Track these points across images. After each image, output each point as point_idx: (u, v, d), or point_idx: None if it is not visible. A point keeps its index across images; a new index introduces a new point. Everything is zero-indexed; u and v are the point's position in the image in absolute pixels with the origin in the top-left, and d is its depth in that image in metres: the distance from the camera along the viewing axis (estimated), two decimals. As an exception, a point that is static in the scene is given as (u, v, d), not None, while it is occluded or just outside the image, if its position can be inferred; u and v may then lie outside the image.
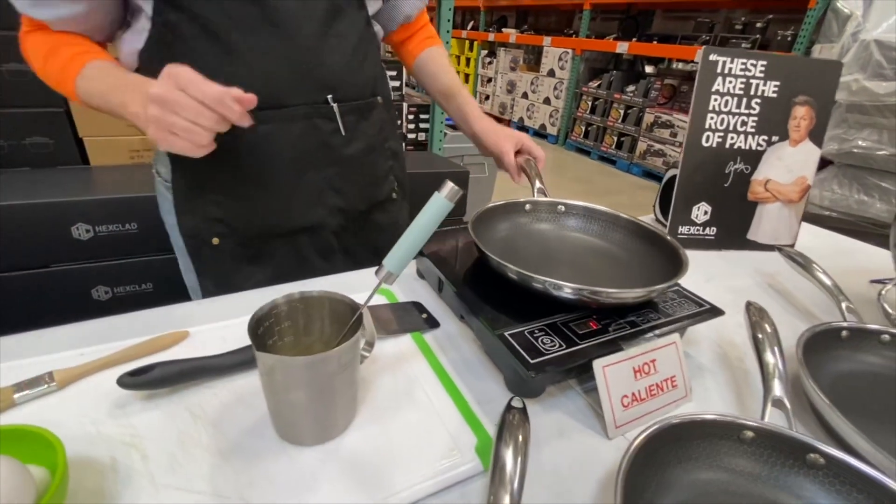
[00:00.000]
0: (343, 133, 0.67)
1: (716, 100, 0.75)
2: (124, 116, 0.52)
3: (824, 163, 3.07)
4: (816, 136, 0.79)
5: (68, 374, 0.41)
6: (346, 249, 0.75)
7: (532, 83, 5.21)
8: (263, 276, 0.69)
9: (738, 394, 0.50)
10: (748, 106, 0.76)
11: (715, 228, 0.81)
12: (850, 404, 0.49)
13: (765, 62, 0.75)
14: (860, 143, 2.77)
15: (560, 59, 4.75)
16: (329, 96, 0.64)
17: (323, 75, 0.63)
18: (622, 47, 4.05)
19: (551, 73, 4.89)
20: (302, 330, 0.40)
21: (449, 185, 0.35)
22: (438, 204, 0.35)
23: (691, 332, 0.58)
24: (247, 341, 0.35)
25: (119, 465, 0.34)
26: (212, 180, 0.64)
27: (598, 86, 4.54)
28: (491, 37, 5.84)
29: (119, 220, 1.08)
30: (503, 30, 5.70)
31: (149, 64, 0.57)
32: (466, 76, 6.39)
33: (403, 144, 0.90)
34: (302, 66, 0.61)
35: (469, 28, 6.34)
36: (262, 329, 0.38)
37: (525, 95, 5.37)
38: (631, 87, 4.24)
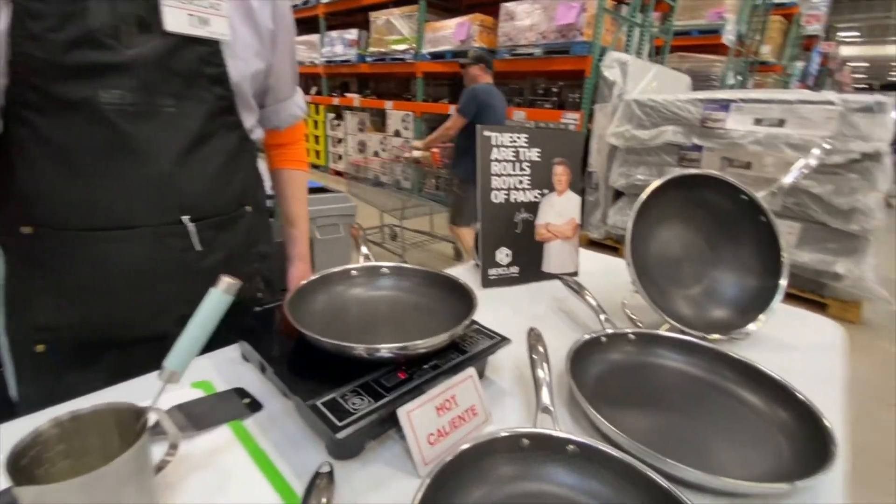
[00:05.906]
0: (199, 248, 0.66)
1: (496, 165, 0.92)
2: None
3: (618, 194, 3.85)
4: (575, 186, 1.01)
5: None
6: None
7: (381, 143, 5.51)
8: (91, 386, 0.59)
9: (530, 409, 0.59)
10: (521, 168, 0.95)
11: (517, 267, 0.96)
12: (607, 396, 0.63)
13: (526, 135, 0.95)
14: (639, 177, 3.56)
15: (403, 120, 5.14)
16: (184, 217, 0.64)
17: (177, 200, 0.63)
18: (453, 109, 4.57)
19: (397, 134, 5.26)
20: (79, 451, 0.37)
21: (225, 281, 0.38)
22: (216, 298, 0.38)
23: (494, 362, 0.68)
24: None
25: None
26: (46, 286, 0.60)
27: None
28: (336, 101, 6.07)
29: None
30: (346, 94, 5.98)
31: None
32: (317, 137, 6.47)
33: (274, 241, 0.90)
34: (154, 191, 0.61)
35: (313, 93, 6.50)
36: (28, 460, 0.35)
37: (376, 154, 5.63)
38: (467, 143, 4.78)
